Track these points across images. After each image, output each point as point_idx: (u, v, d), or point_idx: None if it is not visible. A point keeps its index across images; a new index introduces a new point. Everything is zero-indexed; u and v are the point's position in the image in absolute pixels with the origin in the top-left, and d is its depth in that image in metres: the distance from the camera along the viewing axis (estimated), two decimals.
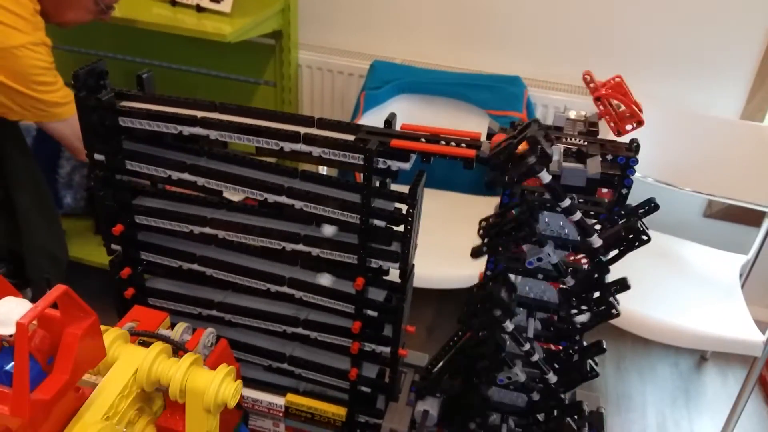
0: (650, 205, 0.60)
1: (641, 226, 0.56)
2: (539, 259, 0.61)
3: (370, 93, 2.06)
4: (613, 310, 0.61)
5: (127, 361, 0.54)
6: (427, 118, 2.01)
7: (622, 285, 0.63)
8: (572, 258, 0.68)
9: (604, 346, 0.66)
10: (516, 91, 1.95)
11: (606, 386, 1.95)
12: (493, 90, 1.96)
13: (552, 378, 0.66)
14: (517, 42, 2.10)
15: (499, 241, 0.60)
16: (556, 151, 0.56)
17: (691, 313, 1.71)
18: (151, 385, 0.55)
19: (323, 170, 1.19)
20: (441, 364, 0.77)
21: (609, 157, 0.56)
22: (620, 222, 0.59)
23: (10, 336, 0.46)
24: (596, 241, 0.56)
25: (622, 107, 0.59)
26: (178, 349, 0.64)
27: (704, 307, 1.72)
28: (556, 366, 0.69)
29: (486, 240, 0.61)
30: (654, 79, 1.95)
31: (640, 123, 0.57)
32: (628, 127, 0.59)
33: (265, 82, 2.11)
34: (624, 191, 0.57)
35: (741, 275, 1.78)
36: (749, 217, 1.92)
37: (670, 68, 1.94)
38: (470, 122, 1.97)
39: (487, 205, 2.14)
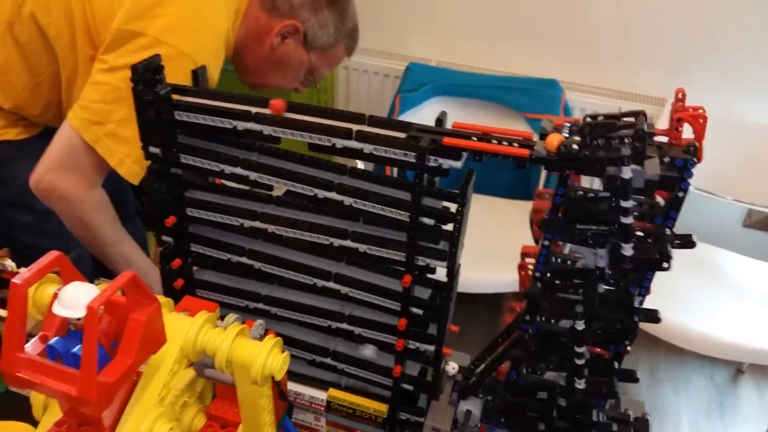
0: (687, 241, 0.60)
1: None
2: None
3: (406, 95, 2.07)
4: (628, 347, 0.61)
5: (172, 332, 0.54)
6: (462, 120, 2.02)
7: (651, 316, 0.63)
8: None
9: (637, 377, 0.66)
10: (553, 95, 1.95)
11: (639, 395, 1.92)
12: (529, 93, 1.96)
13: (581, 384, 0.66)
14: (555, 45, 2.09)
15: (575, 228, 0.59)
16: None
17: (727, 323, 1.69)
18: (197, 355, 0.55)
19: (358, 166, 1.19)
20: (485, 364, 0.77)
21: (666, 159, 0.56)
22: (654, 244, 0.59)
23: (78, 319, 0.48)
24: (627, 250, 0.56)
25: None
26: None
27: (742, 317, 1.69)
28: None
29: (560, 221, 0.60)
30: (693, 85, 1.93)
31: (697, 161, 0.57)
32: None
33: None
34: (681, 194, 0.57)
35: None
36: None
37: (709, 74, 1.92)
38: (506, 125, 1.97)
39: (521, 209, 2.13)
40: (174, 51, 1.00)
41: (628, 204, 0.54)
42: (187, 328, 0.54)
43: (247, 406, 0.59)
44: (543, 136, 0.60)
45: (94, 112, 1.04)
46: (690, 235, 0.61)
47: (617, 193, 0.55)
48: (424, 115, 2.01)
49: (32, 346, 0.49)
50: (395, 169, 1.91)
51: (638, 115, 0.54)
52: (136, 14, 1.02)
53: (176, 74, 1.03)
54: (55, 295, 0.49)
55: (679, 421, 1.90)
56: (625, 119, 0.55)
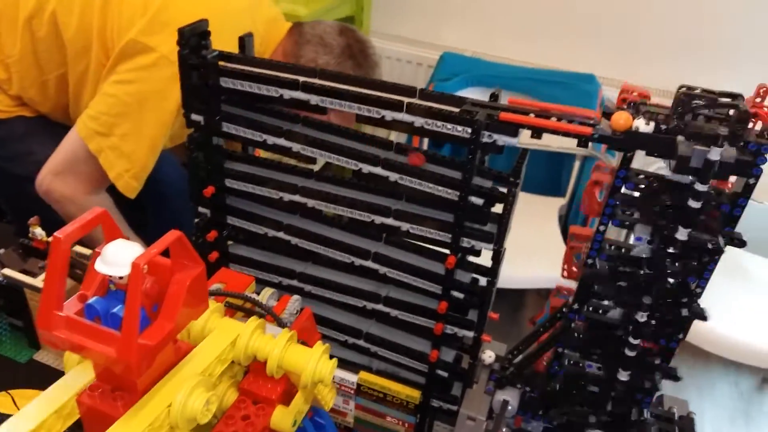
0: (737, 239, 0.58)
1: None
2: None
3: (439, 85, 2.04)
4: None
5: (223, 332, 0.54)
6: None
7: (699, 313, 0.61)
8: None
9: (678, 375, 0.64)
10: (590, 90, 1.90)
11: None
12: (565, 87, 1.91)
13: (624, 377, 0.63)
14: (592, 38, 2.05)
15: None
16: None
17: (755, 328, 1.65)
18: (248, 359, 0.55)
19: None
20: (524, 354, 0.74)
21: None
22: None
23: (120, 278, 0.46)
24: (682, 234, 0.53)
25: None
26: (266, 314, 0.64)
27: None
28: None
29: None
30: (739, 82, 1.86)
31: None
32: None
33: None
34: (752, 181, 0.54)
35: None
36: None
37: (759, 73, 1.85)
38: None
39: (550, 206, 2.09)
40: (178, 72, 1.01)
41: (703, 187, 0.51)
42: (239, 331, 0.53)
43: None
44: (607, 115, 0.58)
45: (101, 123, 1.06)
46: (739, 234, 0.59)
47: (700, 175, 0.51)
48: None
49: (70, 305, 0.47)
50: (425, 143, 1.89)
51: (737, 97, 0.51)
52: (152, 29, 1.03)
53: (174, 94, 1.03)
54: (97, 253, 0.47)
55: (703, 427, 1.86)
56: (722, 99, 0.52)
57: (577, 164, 1.98)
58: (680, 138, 0.53)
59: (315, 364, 0.53)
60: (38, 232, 0.98)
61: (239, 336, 0.53)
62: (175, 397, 0.46)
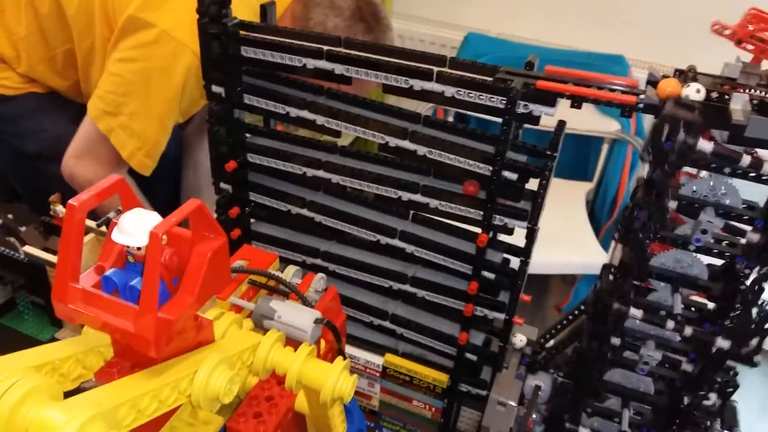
0: None
1: None
2: (703, 231, 0.54)
3: None
4: None
5: (245, 337, 0.52)
6: None
7: None
8: None
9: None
10: (619, 71, 1.84)
11: None
12: (594, 69, 1.83)
13: (724, 344, 0.59)
14: (622, 19, 1.99)
15: (640, 238, 0.53)
16: (740, 99, 0.49)
17: None
18: (266, 373, 0.52)
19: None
20: (555, 340, 0.71)
21: None
22: None
23: (138, 249, 0.44)
24: None
25: None
26: (290, 291, 0.61)
27: None
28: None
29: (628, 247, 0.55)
30: None
31: None
32: None
33: None
34: None
35: None
36: None
37: None
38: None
39: (577, 191, 2.04)
40: (180, 46, 0.99)
41: (744, 162, 0.48)
42: (257, 342, 0.50)
43: (318, 422, 0.56)
44: (652, 84, 0.54)
45: (108, 102, 1.04)
46: None
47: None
48: None
49: (87, 277, 0.45)
50: (451, 115, 1.84)
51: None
52: (150, 4, 1.01)
53: (178, 69, 1.00)
54: (114, 223, 0.45)
55: None
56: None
57: (605, 148, 1.93)
58: (733, 105, 0.49)
59: (335, 381, 0.50)
60: (59, 209, 0.97)
61: (258, 350, 0.51)
62: (197, 372, 0.44)
